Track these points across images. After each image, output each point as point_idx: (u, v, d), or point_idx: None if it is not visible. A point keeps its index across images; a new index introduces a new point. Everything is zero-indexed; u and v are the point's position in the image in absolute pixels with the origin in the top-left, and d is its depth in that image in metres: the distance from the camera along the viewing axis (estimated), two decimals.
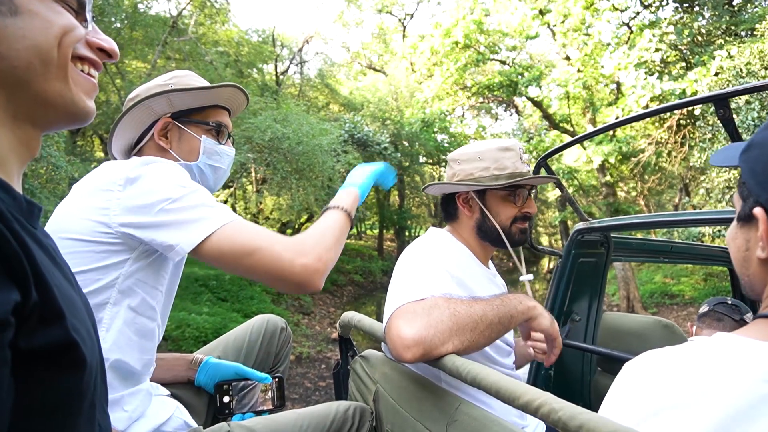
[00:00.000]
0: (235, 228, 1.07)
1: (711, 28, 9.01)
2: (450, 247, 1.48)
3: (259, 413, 1.48)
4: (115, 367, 1.10)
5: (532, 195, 1.53)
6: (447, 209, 1.57)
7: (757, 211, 0.70)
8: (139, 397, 1.17)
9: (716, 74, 7.60)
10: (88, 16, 0.67)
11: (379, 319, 1.51)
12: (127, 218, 1.05)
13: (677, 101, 1.40)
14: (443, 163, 18.72)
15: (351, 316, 1.56)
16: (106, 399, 0.70)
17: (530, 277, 1.53)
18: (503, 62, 15.25)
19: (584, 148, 12.34)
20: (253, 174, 9.58)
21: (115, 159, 1.35)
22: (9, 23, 0.56)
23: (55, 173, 5.62)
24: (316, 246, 1.12)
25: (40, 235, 0.60)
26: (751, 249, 0.74)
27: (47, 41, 0.59)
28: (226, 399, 1.44)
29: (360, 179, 1.42)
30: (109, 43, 0.68)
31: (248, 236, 1.06)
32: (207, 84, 1.35)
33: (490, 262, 1.62)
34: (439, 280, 1.27)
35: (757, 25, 7.31)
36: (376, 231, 19.02)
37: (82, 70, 0.65)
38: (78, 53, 0.64)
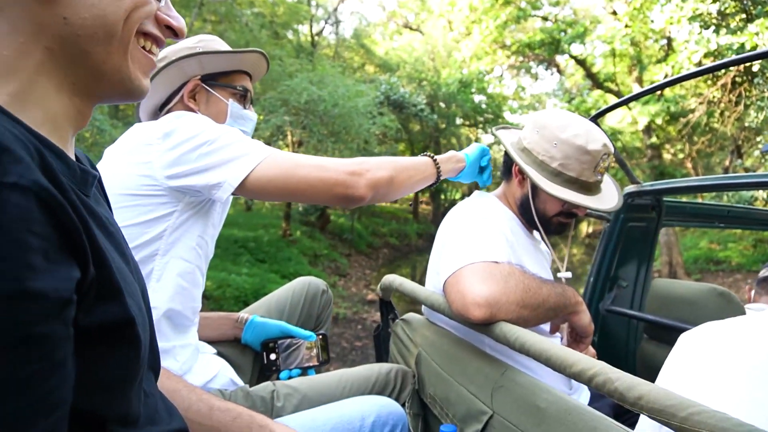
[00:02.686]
0: (276, 156, 1.10)
1: None
2: (499, 213, 1.43)
3: (305, 370, 1.51)
4: (168, 317, 1.14)
5: None
6: (507, 165, 1.50)
7: None
8: (189, 351, 1.20)
9: None
10: None
11: (417, 281, 1.50)
12: (171, 170, 1.07)
13: (735, 57, 1.29)
14: (480, 125, 18.30)
15: (392, 279, 1.55)
16: (157, 366, 0.71)
17: (569, 274, 1.47)
18: (545, 18, 14.60)
19: (629, 109, 11.82)
20: (289, 137, 9.59)
21: (139, 120, 1.38)
22: None
23: (99, 137, 5.75)
24: (369, 162, 1.16)
25: (93, 203, 0.59)
26: None
27: (115, 14, 0.57)
28: (272, 356, 1.48)
29: (471, 151, 1.49)
30: (178, 21, 0.66)
31: (290, 160, 1.10)
32: (231, 49, 1.37)
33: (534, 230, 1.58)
34: (503, 246, 1.24)
35: None
36: (411, 194, 18.96)
37: (144, 47, 0.63)
38: (144, 29, 0.62)
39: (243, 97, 1.38)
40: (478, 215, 1.36)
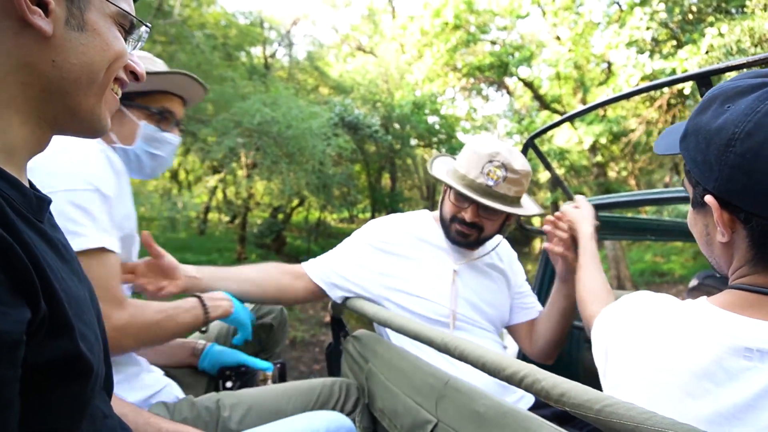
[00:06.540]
0: (101, 259, 1.05)
1: (702, 6, 8.95)
2: (405, 221, 1.66)
3: None
4: None
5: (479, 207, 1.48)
6: None
7: (708, 199, 0.72)
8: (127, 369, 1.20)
9: (707, 52, 7.59)
10: (134, 42, 0.71)
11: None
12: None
13: (663, 79, 1.40)
14: (435, 146, 18.66)
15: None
16: (110, 387, 0.71)
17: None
18: (494, 42, 15.13)
19: (575, 129, 12.35)
20: (242, 159, 9.51)
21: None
22: (73, 37, 0.58)
23: None
24: (145, 323, 1.12)
25: (48, 228, 0.60)
26: (711, 233, 0.78)
27: (101, 62, 0.61)
28: (228, 384, 1.47)
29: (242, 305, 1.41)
30: (140, 68, 0.71)
31: (102, 272, 1.04)
32: (164, 67, 1.31)
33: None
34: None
35: (747, 2, 7.29)
36: (368, 214, 19.02)
37: (112, 89, 0.67)
38: (116, 75, 0.67)
39: (162, 119, 1.32)
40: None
